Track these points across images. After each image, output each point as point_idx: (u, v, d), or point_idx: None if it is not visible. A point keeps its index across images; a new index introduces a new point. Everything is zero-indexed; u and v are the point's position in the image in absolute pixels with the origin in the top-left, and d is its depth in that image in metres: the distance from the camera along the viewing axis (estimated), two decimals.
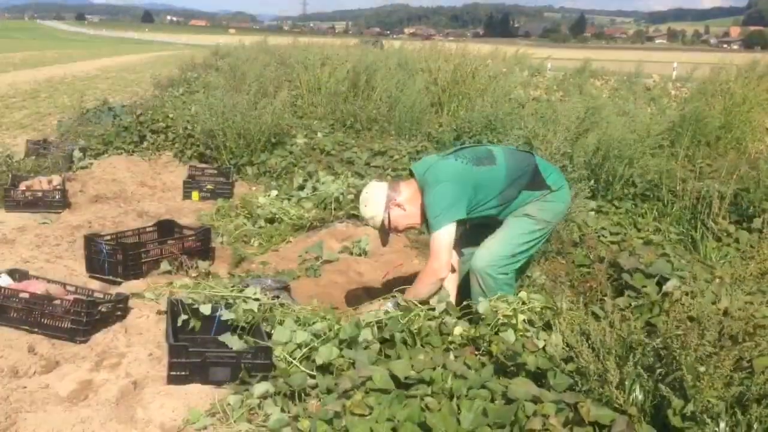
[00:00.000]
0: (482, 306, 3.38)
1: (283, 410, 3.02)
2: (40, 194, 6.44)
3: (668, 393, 2.49)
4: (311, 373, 3.22)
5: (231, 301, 3.81)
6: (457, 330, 3.30)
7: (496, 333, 3.24)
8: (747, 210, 5.77)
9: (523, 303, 3.43)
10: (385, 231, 3.93)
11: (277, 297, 3.89)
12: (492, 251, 3.73)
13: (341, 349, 3.31)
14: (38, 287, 3.99)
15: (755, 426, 2.34)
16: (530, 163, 3.83)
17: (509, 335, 3.23)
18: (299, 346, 3.37)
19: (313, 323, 3.54)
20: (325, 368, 3.25)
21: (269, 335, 3.55)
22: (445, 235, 3.60)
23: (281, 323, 3.59)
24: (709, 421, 2.39)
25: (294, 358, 3.32)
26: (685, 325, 2.66)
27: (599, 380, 2.65)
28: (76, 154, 8.13)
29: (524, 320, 3.32)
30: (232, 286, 4.03)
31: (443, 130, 9.21)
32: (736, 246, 5.25)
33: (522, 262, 3.86)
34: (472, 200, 3.68)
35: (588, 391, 2.69)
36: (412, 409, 2.61)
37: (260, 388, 3.12)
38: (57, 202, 6.46)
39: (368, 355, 3.21)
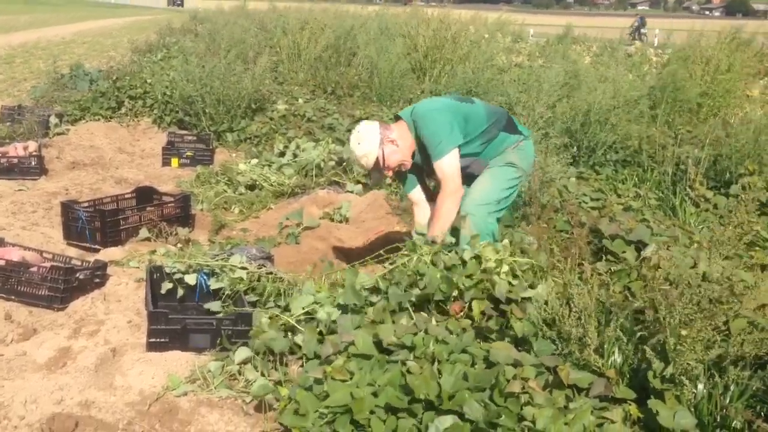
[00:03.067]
0: (467, 253, 3.37)
1: (263, 375, 3.03)
2: (15, 161, 6.34)
3: (651, 356, 2.51)
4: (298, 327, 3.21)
5: (215, 269, 3.78)
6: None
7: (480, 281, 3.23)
8: (724, 175, 5.81)
9: (511, 254, 3.43)
10: (378, 170, 3.92)
11: (263, 266, 3.87)
12: (482, 195, 3.83)
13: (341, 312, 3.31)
14: (14, 254, 3.94)
15: (732, 388, 2.37)
16: (504, 111, 4.12)
17: (498, 283, 3.21)
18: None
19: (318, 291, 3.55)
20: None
21: (253, 304, 3.55)
22: (451, 159, 3.74)
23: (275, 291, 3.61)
24: (687, 383, 2.41)
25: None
26: (664, 289, 2.68)
27: (578, 344, 2.67)
28: (52, 120, 7.98)
29: (508, 271, 3.29)
30: (216, 254, 4.00)
31: (424, 96, 9.16)
32: (714, 211, 5.29)
33: (504, 212, 4.03)
34: (463, 130, 3.80)
35: (567, 354, 2.71)
36: (393, 373, 2.61)
37: (241, 354, 3.11)
38: (33, 169, 6.36)
39: (352, 319, 3.20)
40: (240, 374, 3.08)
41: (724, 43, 8.84)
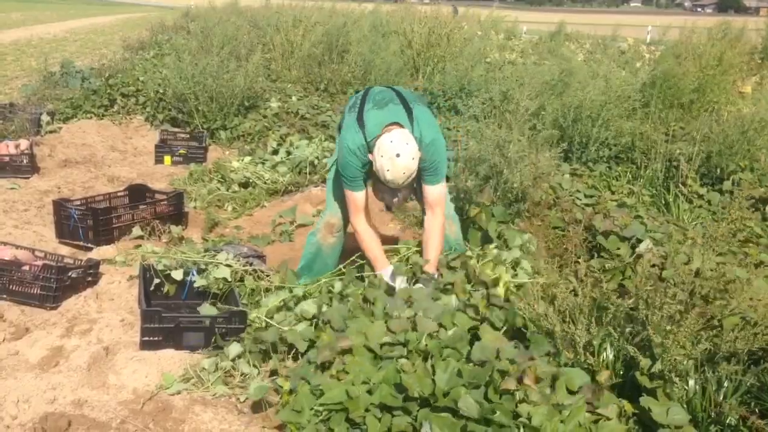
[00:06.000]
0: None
1: (255, 366, 3.06)
2: (7, 159, 6.29)
3: (635, 353, 2.51)
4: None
5: (203, 266, 3.78)
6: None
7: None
8: (716, 171, 5.83)
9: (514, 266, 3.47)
10: (408, 186, 3.56)
11: (251, 264, 3.85)
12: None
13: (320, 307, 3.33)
14: (6, 253, 3.92)
15: (725, 384, 2.37)
16: None
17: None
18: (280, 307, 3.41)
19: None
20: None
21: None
22: (445, 183, 3.71)
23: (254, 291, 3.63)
24: (677, 379, 2.41)
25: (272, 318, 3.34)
26: (655, 286, 2.68)
27: (568, 341, 2.68)
28: (44, 118, 7.93)
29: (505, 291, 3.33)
30: (205, 251, 4.00)
31: (419, 93, 9.15)
32: (707, 207, 5.30)
33: None
34: None
35: (557, 353, 2.71)
36: (387, 371, 2.61)
37: (234, 349, 3.12)
38: (25, 167, 6.32)
39: (340, 309, 3.21)
40: (235, 369, 3.08)
41: (716, 39, 8.86)
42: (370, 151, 3.45)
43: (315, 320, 3.29)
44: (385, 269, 3.60)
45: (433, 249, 3.62)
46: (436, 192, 3.62)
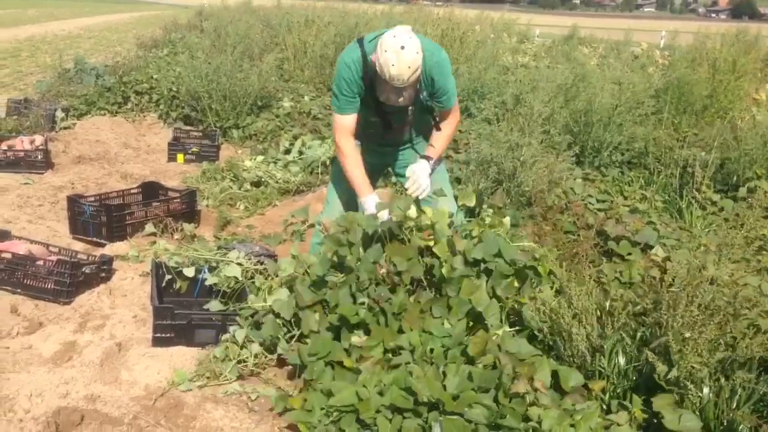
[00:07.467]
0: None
1: (261, 345, 3.15)
2: (21, 154, 6.34)
3: (653, 359, 2.50)
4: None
5: (215, 264, 3.79)
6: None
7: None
8: (731, 179, 5.80)
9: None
10: (414, 87, 3.38)
11: (262, 263, 3.86)
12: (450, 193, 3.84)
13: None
14: (20, 248, 3.95)
15: (739, 391, 2.37)
16: None
17: None
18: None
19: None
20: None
21: None
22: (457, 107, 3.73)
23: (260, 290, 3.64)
24: (692, 386, 2.41)
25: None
26: (665, 292, 2.67)
27: (578, 345, 2.67)
28: (59, 114, 7.98)
29: None
30: (217, 249, 4.01)
31: None
32: (720, 215, 5.28)
33: None
34: None
35: (563, 356, 2.72)
36: (398, 373, 2.61)
37: (240, 334, 3.17)
38: (39, 163, 6.36)
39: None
40: (248, 352, 3.14)
41: (730, 45, 8.82)
42: (371, 54, 3.32)
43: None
44: (368, 197, 3.48)
45: (437, 141, 3.65)
46: (453, 108, 3.64)
